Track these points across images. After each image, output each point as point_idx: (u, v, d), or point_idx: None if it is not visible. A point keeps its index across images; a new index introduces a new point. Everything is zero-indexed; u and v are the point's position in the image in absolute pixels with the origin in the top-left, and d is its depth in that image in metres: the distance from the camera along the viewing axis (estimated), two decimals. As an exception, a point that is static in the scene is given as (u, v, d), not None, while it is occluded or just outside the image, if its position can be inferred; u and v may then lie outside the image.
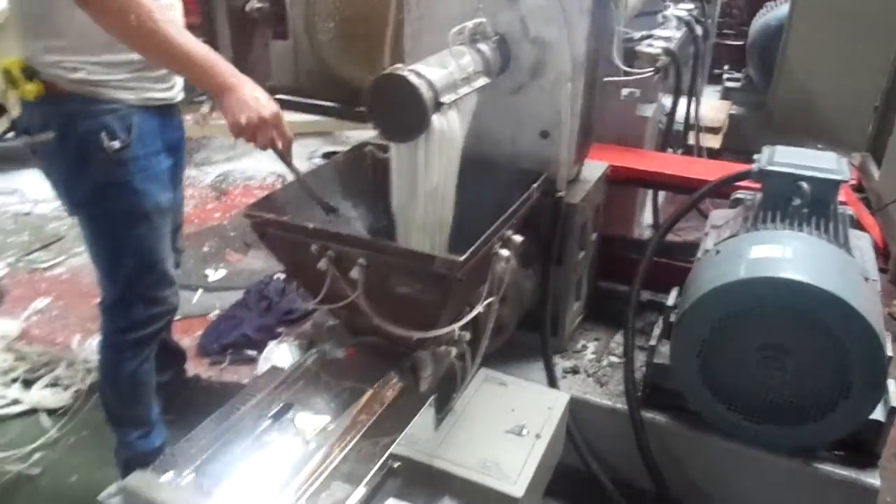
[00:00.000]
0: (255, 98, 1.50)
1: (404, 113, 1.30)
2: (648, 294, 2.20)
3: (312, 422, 1.25)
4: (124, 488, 1.07)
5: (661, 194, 2.97)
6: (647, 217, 2.98)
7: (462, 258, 1.22)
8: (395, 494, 1.19)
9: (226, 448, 1.18)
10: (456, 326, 1.35)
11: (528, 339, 1.94)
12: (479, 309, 1.36)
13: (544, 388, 1.82)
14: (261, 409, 1.28)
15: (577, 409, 1.78)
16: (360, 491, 1.16)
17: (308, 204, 1.53)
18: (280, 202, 1.48)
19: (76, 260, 3.32)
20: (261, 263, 3.28)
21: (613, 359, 2.07)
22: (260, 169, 4.39)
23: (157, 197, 1.72)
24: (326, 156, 4.33)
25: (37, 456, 2.13)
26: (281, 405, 1.28)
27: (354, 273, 1.31)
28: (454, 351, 1.48)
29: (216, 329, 2.68)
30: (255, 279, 3.05)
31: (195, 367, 2.47)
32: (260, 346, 2.55)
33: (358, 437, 1.25)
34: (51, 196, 3.92)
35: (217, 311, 2.84)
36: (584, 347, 2.13)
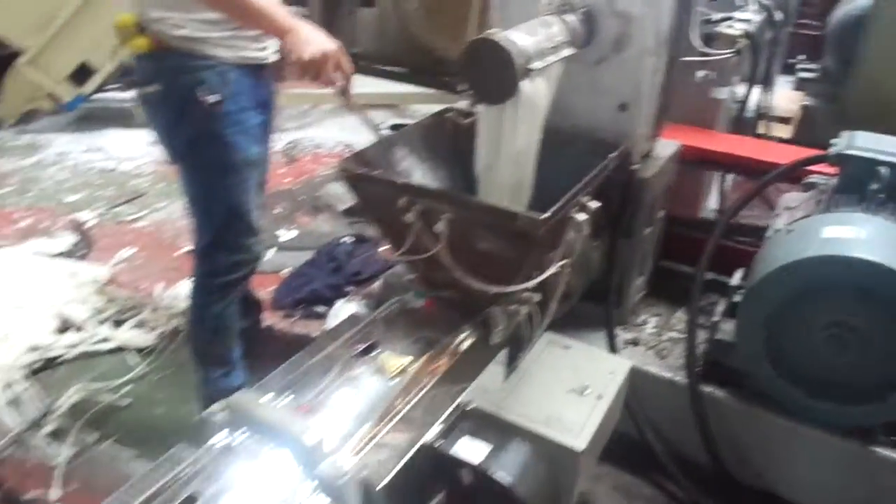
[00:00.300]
0: (316, 35, 1.60)
1: (496, 77, 1.36)
2: (710, 275, 2.21)
3: (394, 361, 1.34)
4: (229, 404, 1.17)
5: (728, 179, 2.95)
6: (712, 202, 2.97)
7: (544, 216, 1.28)
8: (469, 433, 1.27)
9: (318, 377, 1.28)
10: (531, 284, 1.42)
11: (589, 311, 1.99)
12: (554, 268, 1.42)
13: (607, 354, 1.88)
14: (347, 347, 1.38)
15: (635, 380, 1.81)
16: (437, 427, 1.25)
17: (397, 162, 1.61)
18: (371, 158, 1.56)
19: (158, 215, 3.51)
20: (329, 226, 3.41)
21: (673, 334, 2.11)
22: (329, 137, 4.50)
23: (247, 150, 1.82)
24: (394, 128, 4.42)
25: (125, 389, 2.29)
26: (366, 344, 1.38)
27: (439, 227, 1.39)
28: (524, 310, 1.55)
29: (289, 285, 2.81)
30: (324, 241, 3.17)
31: (268, 319, 2.60)
32: (329, 303, 2.68)
33: (433, 381, 1.34)
34: (133, 154, 4.16)
35: (288, 269, 2.97)
36: (645, 322, 2.18)
